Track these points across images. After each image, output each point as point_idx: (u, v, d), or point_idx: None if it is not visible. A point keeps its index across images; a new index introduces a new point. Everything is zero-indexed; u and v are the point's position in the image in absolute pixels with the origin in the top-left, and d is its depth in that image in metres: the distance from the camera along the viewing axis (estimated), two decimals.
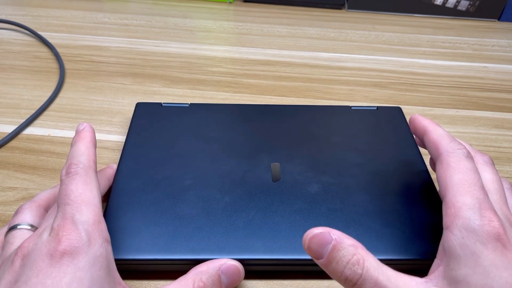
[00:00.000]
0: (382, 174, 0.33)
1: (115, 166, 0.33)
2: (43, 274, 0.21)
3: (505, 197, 0.26)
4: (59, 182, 0.33)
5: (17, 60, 0.51)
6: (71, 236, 0.22)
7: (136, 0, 0.66)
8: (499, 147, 0.41)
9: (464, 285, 0.21)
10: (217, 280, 0.25)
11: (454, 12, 0.64)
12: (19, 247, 0.23)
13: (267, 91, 0.47)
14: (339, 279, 0.22)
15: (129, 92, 0.46)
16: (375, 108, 0.41)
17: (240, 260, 0.27)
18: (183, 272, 0.26)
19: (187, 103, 0.40)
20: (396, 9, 0.65)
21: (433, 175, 0.34)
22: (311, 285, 0.29)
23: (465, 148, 0.25)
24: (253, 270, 0.29)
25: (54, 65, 0.50)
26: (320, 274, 0.29)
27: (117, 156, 0.37)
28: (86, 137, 0.27)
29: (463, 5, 0.63)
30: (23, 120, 0.41)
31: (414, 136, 0.32)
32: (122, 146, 0.35)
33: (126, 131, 0.39)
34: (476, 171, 0.24)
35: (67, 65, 0.50)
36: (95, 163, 0.26)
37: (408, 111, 0.43)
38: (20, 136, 0.40)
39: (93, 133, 0.28)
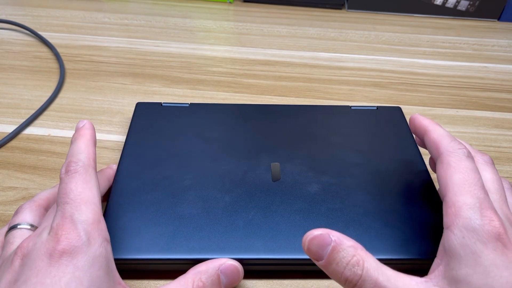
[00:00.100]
0: (382, 174, 0.33)
1: (115, 167, 0.33)
2: (42, 273, 0.21)
3: (505, 196, 0.26)
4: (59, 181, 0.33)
5: (17, 60, 0.51)
6: (70, 236, 0.22)
7: (136, 0, 0.66)
8: (499, 147, 0.41)
9: (465, 284, 0.21)
10: (216, 280, 0.25)
11: (454, 12, 0.64)
12: (19, 247, 0.23)
13: (267, 91, 0.47)
14: (339, 280, 0.22)
15: (129, 92, 0.46)
16: (375, 108, 0.41)
17: (240, 260, 0.27)
18: (183, 272, 0.26)
19: (187, 103, 0.40)
20: (396, 9, 0.65)
21: (433, 175, 0.34)
22: (311, 285, 0.29)
23: (465, 148, 0.25)
24: (253, 270, 0.29)
25: (54, 65, 0.50)
26: (320, 274, 0.29)
27: (117, 156, 0.37)
28: (85, 135, 0.27)
29: (463, 5, 0.63)
30: (23, 120, 0.41)
31: (414, 135, 0.32)
32: (122, 146, 0.35)
33: (126, 131, 0.39)
34: (477, 170, 0.24)
35: (67, 65, 0.50)
36: (95, 161, 0.26)
37: (408, 111, 0.43)
38: (20, 136, 0.40)
39: (93, 131, 0.28)
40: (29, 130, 0.40)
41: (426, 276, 0.23)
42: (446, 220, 0.23)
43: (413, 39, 0.59)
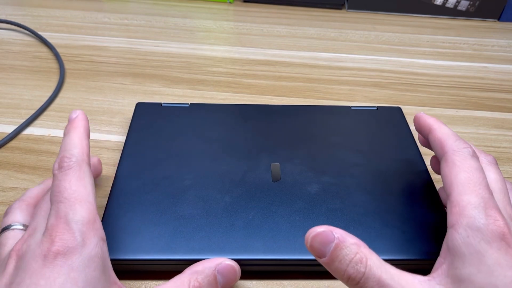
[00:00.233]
0: (382, 174, 0.33)
1: (95, 159, 0.33)
2: (36, 275, 0.21)
3: (508, 197, 0.26)
4: (48, 178, 0.33)
5: (17, 60, 0.51)
6: (64, 237, 0.21)
7: (136, 0, 0.66)
8: (499, 147, 0.41)
9: (469, 283, 0.21)
10: (213, 280, 0.25)
11: (454, 12, 0.64)
12: (13, 249, 0.23)
13: (267, 91, 0.47)
14: (341, 278, 0.22)
15: (129, 92, 0.46)
16: (375, 108, 0.41)
17: (240, 260, 0.27)
18: None
19: (187, 103, 0.40)
20: (396, 9, 0.65)
21: (433, 175, 0.34)
22: (311, 285, 0.29)
23: (470, 147, 0.25)
24: (253, 270, 0.29)
25: (54, 65, 0.50)
26: (320, 274, 0.29)
27: (117, 156, 0.37)
28: (79, 127, 0.26)
29: (463, 5, 0.63)
30: (23, 120, 0.41)
31: (417, 134, 0.32)
32: (122, 146, 0.35)
33: (126, 131, 0.39)
34: (481, 170, 0.24)
35: (67, 65, 0.50)
36: (89, 156, 0.26)
37: (408, 111, 0.43)
38: (20, 136, 0.40)
39: (87, 122, 0.27)
40: (29, 130, 0.40)
41: (429, 275, 0.23)
42: (450, 219, 0.23)
43: (413, 39, 0.59)
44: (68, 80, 0.47)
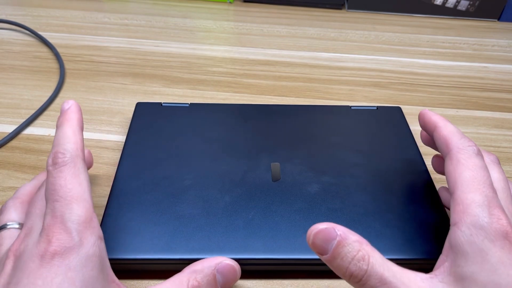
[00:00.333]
0: (382, 174, 0.33)
1: (86, 151, 0.32)
2: (33, 275, 0.21)
3: (511, 196, 0.26)
4: (40, 173, 0.32)
5: (17, 60, 0.51)
6: (61, 236, 0.21)
7: (136, 0, 0.66)
8: (499, 147, 0.41)
9: (471, 281, 0.21)
10: (212, 280, 0.25)
11: (454, 12, 0.64)
12: (10, 249, 0.23)
13: (267, 91, 0.47)
14: (343, 275, 0.22)
15: (129, 92, 0.46)
16: (375, 108, 0.41)
17: (240, 260, 0.27)
18: None
19: (187, 103, 0.40)
20: (396, 9, 0.65)
21: (433, 175, 0.34)
22: (311, 285, 0.29)
23: (475, 145, 0.25)
24: (253, 270, 0.29)
25: (54, 65, 0.50)
26: (320, 274, 0.29)
27: (117, 156, 0.37)
28: (72, 119, 0.25)
29: (463, 5, 0.63)
30: (23, 120, 0.41)
31: (420, 131, 0.32)
32: (122, 146, 0.35)
33: (126, 131, 0.39)
34: (486, 169, 0.24)
35: (67, 65, 0.50)
36: (83, 150, 0.25)
37: (408, 111, 0.43)
38: (20, 136, 0.40)
39: (80, 113, 0.26)
40: (29, 130, 0.40)
41: (431, 273, 0.23)
42: (454, 217, 0.23)
43: (413, 39, 0.59)
44: (68, 80, 0.47)
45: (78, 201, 0.22)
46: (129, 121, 0.39)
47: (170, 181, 0.32)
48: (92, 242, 0.22)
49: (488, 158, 0.28)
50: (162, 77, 0.48)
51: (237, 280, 0.26)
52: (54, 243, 0.21)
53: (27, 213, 0.26)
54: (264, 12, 0.64)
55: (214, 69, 0.50)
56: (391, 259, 0.27)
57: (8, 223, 0.26)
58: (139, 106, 0.40)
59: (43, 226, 0.22)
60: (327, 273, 0.29)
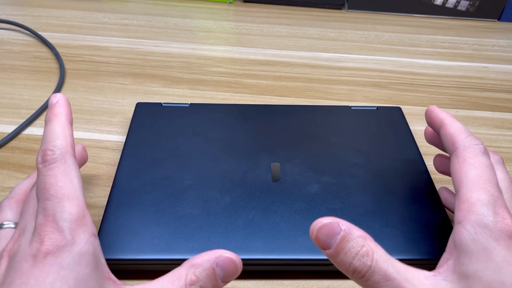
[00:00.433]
0: (382, 174, 0.33)
1: (79, 147, 0.32)
2: (26, 274, 0.21)
3: None
4: (34, 171, 0.32)
5: (17, 60, 0.51)
6: (53, 236, 0.21)
7: (136, 0, 0.66)
8: (499, 147, 0.41)
9: (475, 279, 0.21)
10: (211, 274, 0.23)
11: (454, 12, 0.64)
12: (4, 249, 0.23)
13: (267, 91, 0.47)
14: (347, 271, 0.22)
15: (129, 92, 0.46)
16: (375, 108, 0.41)
17: None
18: None
19: (187, 103, 0.40)
20: (396, 9, 0.65)
21: (433, 175, 0.34)
22: (311, 285, 0.29)
23: (482, 143, 0.25)
24: (253, 270, 0.29)
25: (54, 65, 0.50)
26: (320, 274, 0.29)
27: (117, 156, 0.37)
28: (60, 114, 0.25)
29: (463, 5, 0.63)
30: (23, 120, 0.41)
31: (424, 129, 0.32)
32: (122, 146, 0.35)
33: (126, 131, 0.39)
34: (492, 168, 0.24)
35: (67, 65, 0.50)
36: (73, 146, 0.24)
37: (408, 111, 0.43)
38: (20, 136, 0.40)
39: (69, 108, 0.25)
40: (29, 130, 0.40)
41: (434, 270, 0.23)
42: (458, 215, 0.23)
43: (413, 39, 0.59)
44: (68, 80, 0.47)
45: (70, 198, 0.22)
46: (129, 121, 0.39)
47: (170, 181, 0.32)
48: (85, 239, 0.22)
49: (492, 158, 0.27)
50: (162, 77, 0.48)
51: (238, 273, 0.25)
52: (46, 243, 0.21)
53: (21, 213, 0.25)
54: (264, 12, 0.64)
55: (214, 69, 0.50)
56: None
57: (4, 223, 0.26)
58: (139, 106, 0.40)
59: (35, 225, 0.22)
60: (327, 273, 0.29)
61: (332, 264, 0.28)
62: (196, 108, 0.40)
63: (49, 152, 0.23)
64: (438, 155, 0.32)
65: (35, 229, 0.22)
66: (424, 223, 0.30)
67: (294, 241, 0.28)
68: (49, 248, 0.21)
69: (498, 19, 0.64)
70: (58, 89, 0.45)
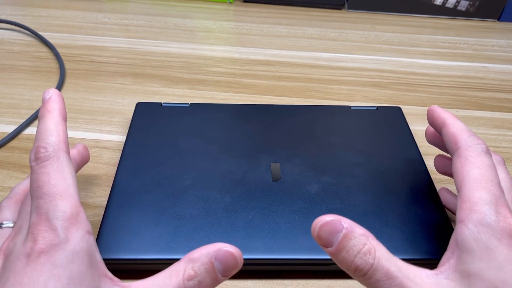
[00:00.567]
0: (382, 174, 0.33)
1: (80, 146, 0.32)
2: (20, 274, 0.21)
3: None
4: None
5: (18, 60, 0.51)
6: (46, 234, 0.21)
7: (136, 0, 0.66)
8: (498, 147, 0.41)
9: (478, 278, 0.21)
10: (210, 268, 0.23)
11: (454, 12, 0.64)
12: (0, 249, 0.23)
13: (267, 91, 0.47)
14: (348, 269, 0.22)
15: (129, 92, 0.46)
16: (375, 108, 0.41)
17: None
18: None
19: (187, 103, 0.40)
20: (396, 9, 0.65)
21: (433, 175, 0.34)
22: (311, 285, 0.29)
23: (484, 143, 0.25)
24: (253, 270, 0.29)
25: (54, 65, 0.50)
26: (320, 274, 0.29)
27: (117, 156, 0.37)
28: (53, 110, 0.24)
29: (463, 5, 0.63)
30: (24, 120, 0.41)
31: (425, 129, 0.32)
32: (122, 146, 0.35)
33: (126, 131, 0.39)
34: (494, 167, 0.24)
35: (67, 65, 0.50)
36: (66, 142, 0.24)
37: (408, 111, 0.43)
38: (20, 136, 0.40)
39: (62, 103, 0.25)
40: (29, 130, 0.40)
41: (435, 269, 0.23)
42: (460, 214, 0.23)
43: (413, 39, 0.59)
44: (68, 80, 0.47)
45: (63, 196, 0.22)
46: (129, 121, 0.39)
47: (170, 181, 0.32)
48: (79, 237, 0.22)
49: (494, 158, 0.28)
50: (162, 77, 0.48)
51: (239, 267, 0.24)
52: (39, 242, 0.21)
53: (19, 212, 0.25)
54: (264, 12, 0.64)
55: (214, 69, 0.50)
56: None
57: (3, 223, 0.26)
58: (139, 106, 0.40)
59: (29, 224, 0.22)
60: (327, 273, 0.29)
61: (332, 264, 0.28)
62: (196, 108, 0.40)
63: (41, 150, 0.23)
64: (439, 156, 0.32)
65: (28, 228, 0.22)
66: (424, 223, 0.30)
67: (294, 241, 0.28)
68: (42, 247, 0.21)
69: (498, 19, 0.64)
70: (58, 89, 0.45)
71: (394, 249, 0.28)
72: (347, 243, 0.21)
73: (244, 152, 0.35)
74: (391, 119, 0.39)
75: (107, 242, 0.28)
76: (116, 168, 0.34)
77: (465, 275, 0.21)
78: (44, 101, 0.25)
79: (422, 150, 0.36)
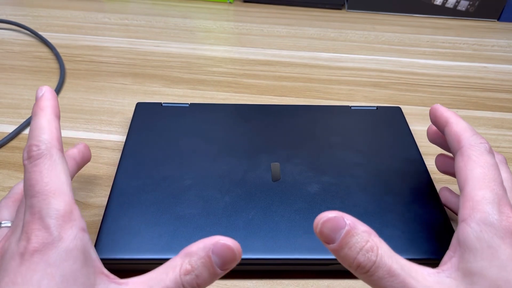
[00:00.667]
0: (382, 174, 0.33)
1: (81, 146, 0.32)
2: (14, 273, 0.21)
3: None
4: None
5: (18, 60, 0.51)
6: (40, 233, 0.21)
7: (136, 0, 0.66)
8: (498, 147, 0.41)
9: (480, 277, 0.21)
10: (207, 262, 0.22)
11: (453, 12, 0.64)
12: None
13: (267, 91, 0.47)
14: (350, 266, 0.22)
15: (129, 92, 0.46)
16: (375, 108, 0.41)
17: (240, 260, 0.27)
18: None
19: (187, 103, 0.40)
20: (396, 9, 0.65)
21: (433, 175, 0.34)
22: (311, 284, 0.29)
23: (487, 142, 0.25)
24: (253, 270, 0.29)
25: (54, 65, 0.50)
26: (320, 274, 0.29)
27: (117, 156, 0.38)
28: (46, 108, 0.24)
29: (463, 5, 0.63)
30: (24, 120, 0.41)
31: (427, 128, 0.32)
32: (122, 146, 0.35)
33: (126, 131, 0.39)
34: (497, 166, 0.24)
35: (67, 65, 0.50)
36: (59, 140, 0.23)
37: (408, 111, 0.43)
38: (20, 136, 0.40)
39: (55, 101, 0.25)
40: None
41: (437, 268, 0.23)
42: (463, 213, 0.23)
43: (413, 39, 0.59)
44: (68, 80, 0.47)
45: (56, 194, 0.22)
46: (129, 121, 0.39)
47: (170, 181, 0.32)
48: (72, 235, 0.21)
49: (496, 158, 0.27)
50: (162, 77, 0.48)
51: (238, 260, 0.23)
52: (33, 240, 0.21)
53: (16, 212, 0.25)
54: (264, 12, 0.64)
55: (214, 69, 0.50)
56: None
57: (2, 222, 0.26)
58: (139, 106, 0.40)
59: (23, 223, 0.22)
60: (327, 273, 0.29)
61: (332, 264, 0.28)
62: (196, 108, 0.40)
63: (34, 148, 0.22)
64: (440, 155, 0.32)
65: (22, 227, 0.22)
66: (424, 223, 0.30)
67: (294, 241, 0.28)
68: (35, 246, 0.21)
69: (498, 19, 0.64)
70: (58, 89, 0.45)
71: (394, 249, 0.28)
72: (350, 240, 0.21)
73: (244, 152, 0.35)
74: (391, 119, 0.39)
75: (107, 242, 0.28)
76: (116, 168, 0.34)
77: (467, 273, 0.21)
78: (37, 99, 0.25)
79: (422, 150, 0.36)
